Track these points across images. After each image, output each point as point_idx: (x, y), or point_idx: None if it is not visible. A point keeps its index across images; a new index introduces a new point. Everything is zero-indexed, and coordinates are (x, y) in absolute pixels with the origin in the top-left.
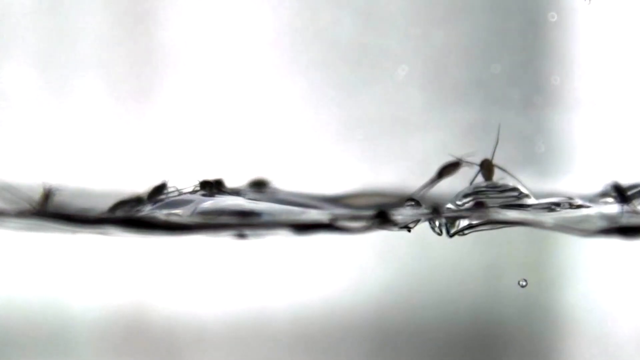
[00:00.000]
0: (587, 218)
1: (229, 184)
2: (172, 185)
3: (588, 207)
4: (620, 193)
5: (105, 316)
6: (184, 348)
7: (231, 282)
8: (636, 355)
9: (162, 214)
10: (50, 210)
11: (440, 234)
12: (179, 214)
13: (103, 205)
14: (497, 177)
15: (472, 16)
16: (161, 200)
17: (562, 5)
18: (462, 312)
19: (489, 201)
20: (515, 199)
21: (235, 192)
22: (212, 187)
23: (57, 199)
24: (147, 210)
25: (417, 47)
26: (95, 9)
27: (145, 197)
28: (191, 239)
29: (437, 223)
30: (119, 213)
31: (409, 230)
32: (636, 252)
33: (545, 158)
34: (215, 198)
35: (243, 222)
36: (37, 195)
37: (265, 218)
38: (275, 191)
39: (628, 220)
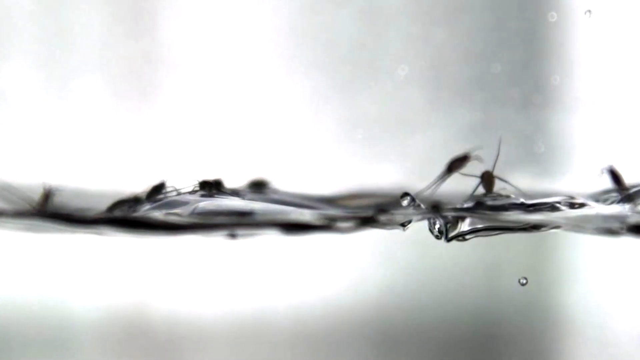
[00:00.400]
0: (592, 217)
1: (229, 184)
2: (170, 185)
3: (591, 206)
4: (616, 178)
5: (105, 316)
6: (184, 348)
7: (231, 283)
8: (636, 355)
9: (157, 214)
10: (50, 211)
11: (439, 237)
12: (178, 213)
13: (102, 205)
14: (498, 187)
15: (472, 16)
16: (160, 199)
17: (562, 5)
18: (462, 312)
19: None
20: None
21: (235, 193)
22: (212, 188)
23: (57, 199)
24: (142, 210)
25: (417, 47)
26: (95, 8)
27: (144, 197)
28: (191, 239)
29: (436, 226)
30: (117, 213)
31: (404, 229)
32: (636, 251)
33: (545, 158)
34: (214, 198)
35: (237, 222)
36: (37, 195)
37: (258, 218)
38: (275, 191)
39: (637, 219)
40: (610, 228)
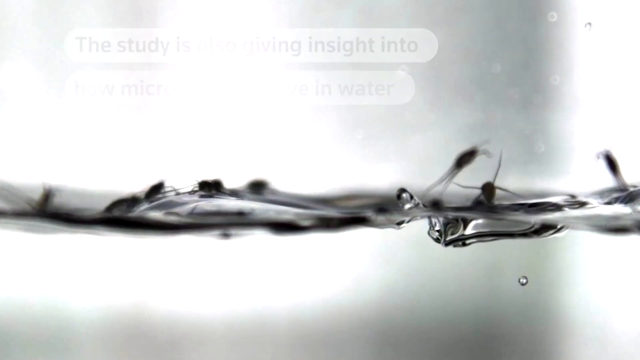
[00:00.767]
0: (594, 216)
1: (228, 184)
2: (169, 185)
3: (593, 204)
4: (611, 163)
5: (105, 316)
6: (184, 348)
7: (231, 283)
8: (636, 355)
9: (155, 214)
10: (50, 211)
11: (438, 240)
12: (177, 213)
13: (102, 206)
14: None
15: (472, 16)
16: (158, 199)
17: (562, 5)
18: (463, 312)
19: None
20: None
21: (234, 193)
22: (211, 188)
23: (57, 199)
24: (140, 210)
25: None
26: (95, 8)
27: (143, 197)
28: (192, 239)
29: (435, 227)
30: (116, 212)
31: (399, 227)
32: (635, 251)
33: (545, 158)
34: (212, 198)
35: (230, 222)
36: (37, 195)
37: (252, 217)
38: (274, 192)
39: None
40: (617, 226)
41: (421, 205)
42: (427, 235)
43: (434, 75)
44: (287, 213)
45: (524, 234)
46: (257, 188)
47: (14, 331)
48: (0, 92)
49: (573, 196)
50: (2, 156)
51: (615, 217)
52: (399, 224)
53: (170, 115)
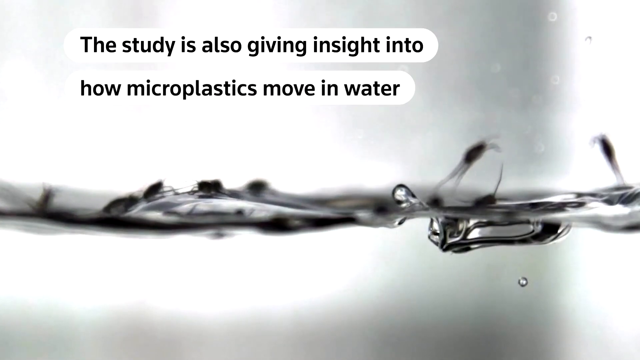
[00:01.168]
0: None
1: (228, 184)
2: (167, 185)
3: (595, 204)
4: (606, 147)
5: (105, 316)
6: (184, 348)
7: (230, 283)
8: (636, 355)
9: (152, 214)
10: (49, 211)
11: (438, 244)
12: (177, 213)
13: (101, 206)
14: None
15: (472, 16)
16: (157, 199)
17: (562, 5)
18: (463, 312)
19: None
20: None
21: (234, 194)
22: (210, 188)
23: (57, 199)
24: (137, 210)
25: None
26: (95, 8)
27: (141, 196)
28: (192, 239)
29: (435, 228)
30: (114, 212)
31: (395, 225)
32: (635, 252)
33: (544, 157)
34: (211, 199)
35: (224, 222)
36: (37, 195)
37: (251, 217)
38: (274, 192)
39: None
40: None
41: (420, 204)
42: (427, 235)
43: (434, 75)
44: (286, 213)
45: (524, 240)
46: (257, 188)
47: (14, 331)
48: (0, 92)
49: (580, 194)
50: (2, 156)
51: (620, 217)
52: (401, 223)
53: (170, 116)
